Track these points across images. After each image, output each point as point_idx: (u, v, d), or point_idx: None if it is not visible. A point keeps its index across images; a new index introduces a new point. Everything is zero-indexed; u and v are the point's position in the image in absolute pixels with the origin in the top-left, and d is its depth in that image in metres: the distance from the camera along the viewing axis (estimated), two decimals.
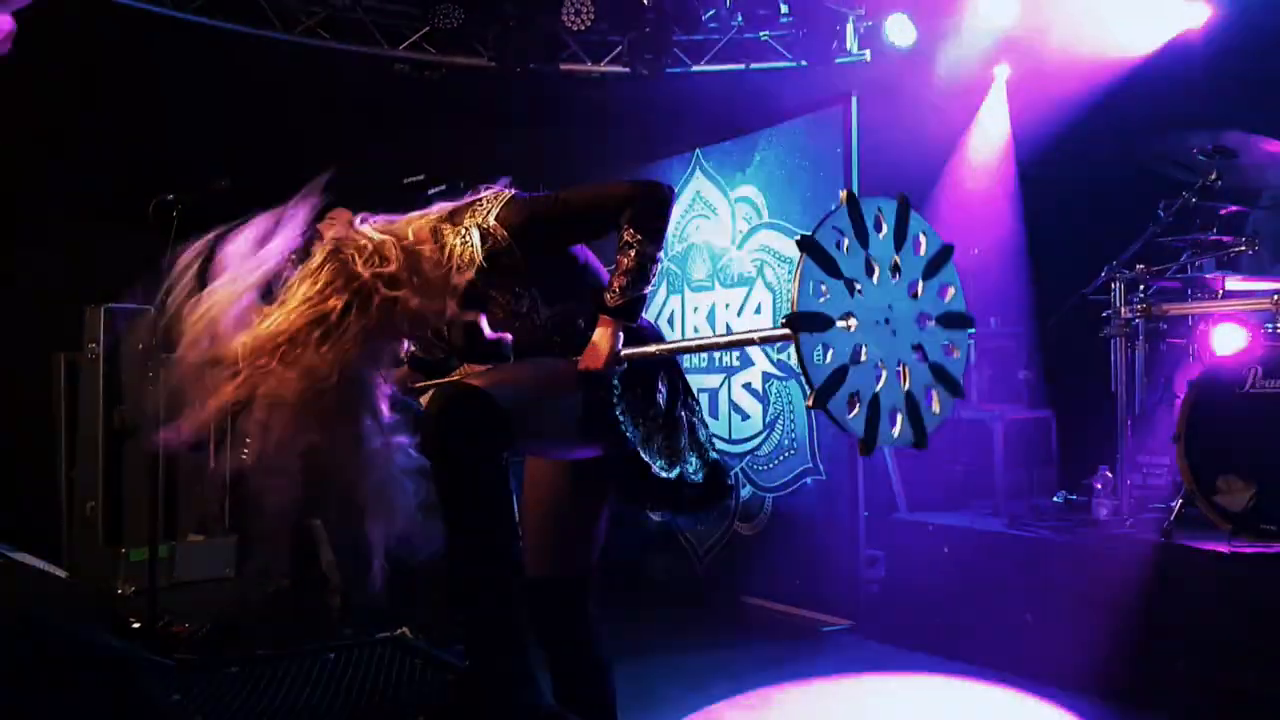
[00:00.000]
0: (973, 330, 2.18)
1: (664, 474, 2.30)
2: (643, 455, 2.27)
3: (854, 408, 1.92)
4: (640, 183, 2.28)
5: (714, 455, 2.41)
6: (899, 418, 1.97)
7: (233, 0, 6.30)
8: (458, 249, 2.24)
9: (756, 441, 5.73)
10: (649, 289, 2.30)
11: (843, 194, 2.02)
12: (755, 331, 2.10)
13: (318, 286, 2.12)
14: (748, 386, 5.82)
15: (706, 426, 2.47)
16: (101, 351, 5.63)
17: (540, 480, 2.50)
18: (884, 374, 1.97)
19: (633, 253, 2.24)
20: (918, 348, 2.04)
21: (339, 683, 2.68)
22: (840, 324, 1.94)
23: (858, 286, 1.98)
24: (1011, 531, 4.58)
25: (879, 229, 2.04)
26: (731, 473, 2.50)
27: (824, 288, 1.93)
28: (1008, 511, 4.91)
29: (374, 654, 2.95)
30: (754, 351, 5.77)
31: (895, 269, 2.05)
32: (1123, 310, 4.53)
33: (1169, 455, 4.52)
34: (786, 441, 5.60)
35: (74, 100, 6.09)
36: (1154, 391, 4.64)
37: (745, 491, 5.66)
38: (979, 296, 6.11)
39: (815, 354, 1.91)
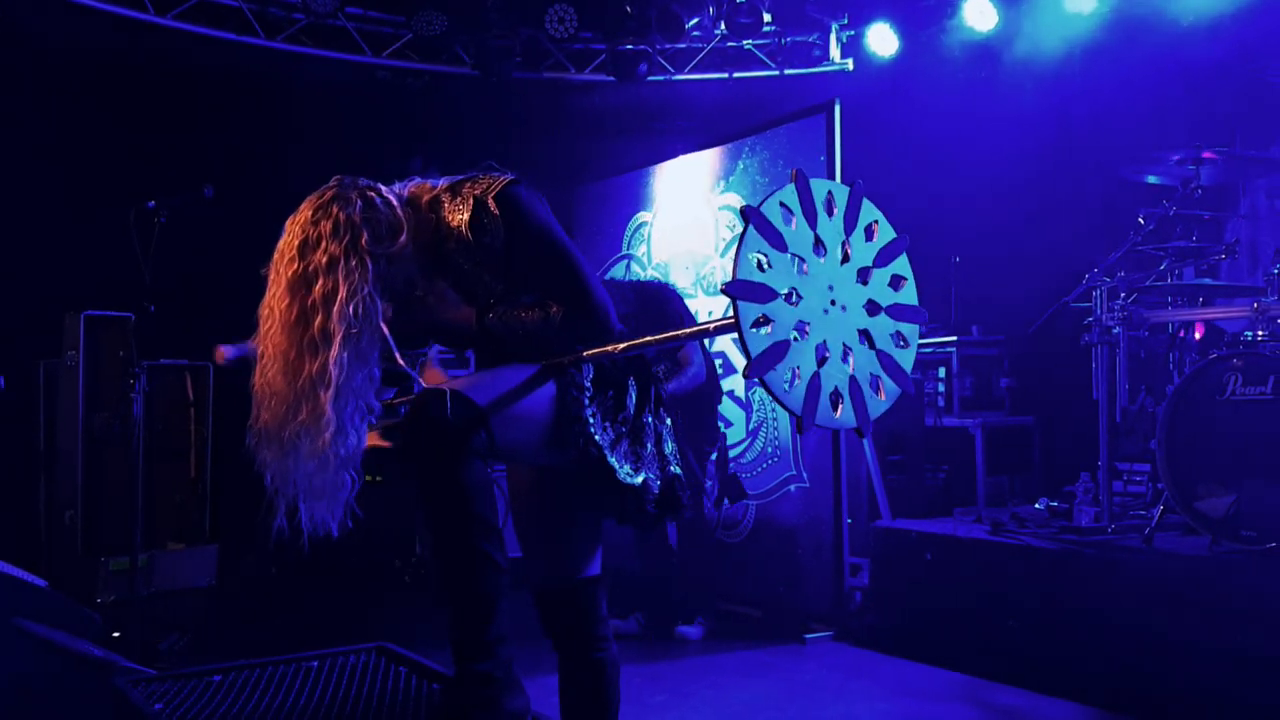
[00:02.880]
0: (923, 325, 2.15)
1: (629, 480, 2.29)
2: (609, 459, 2.26)
3: (793, 384, 1.89)
4: (608, 314, 2.22)
5: (675, 470, 2.39)
6: (841, 400, 1.95)
7: (215, 7, 6.29)
8: (451, 219, 2.24)
9: (740, 449, 5.73)
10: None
11: (792, 172, 2.01)
12: (710, 323, 2.08)
13: (309, 240, 2.11)
14: (731, 394, 5.82)
15: (675, 441, 2.46)
16: (81, 359, 5.59)
17: (525, 487, 2.50)
18: (828, 355, 1.94)
19: (536, 320, 2.22)
20: (865, 334, 2.02)
21: (323, 691, 2.66)
22: (783, 298, 1.92)
23: (804, 264, 1.97)
24: (994, 539, 4.60)
25: (830, 211, 2.01)
26: (687, 492, 2.46)
27: (768, 260, 1.91)
28: (990, 519, 4.93)
29: (359, 662, 2.94)
30: (737, 359, 5.78)
31: (845, 254, 2.04)
32: (1104, 317, 4.56)
33: (1150, 462, 4.55)
34: (770, 449, 5.61)
35: (56, 105, 6.06)
36: (1135, 399, 4.67)
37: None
38: (961, 304, 6.21)
39: (755, 324, 1.87)
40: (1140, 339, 4.64)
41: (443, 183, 2.31)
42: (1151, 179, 4.89)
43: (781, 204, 1.95)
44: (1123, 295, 4.55)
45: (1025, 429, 5.86)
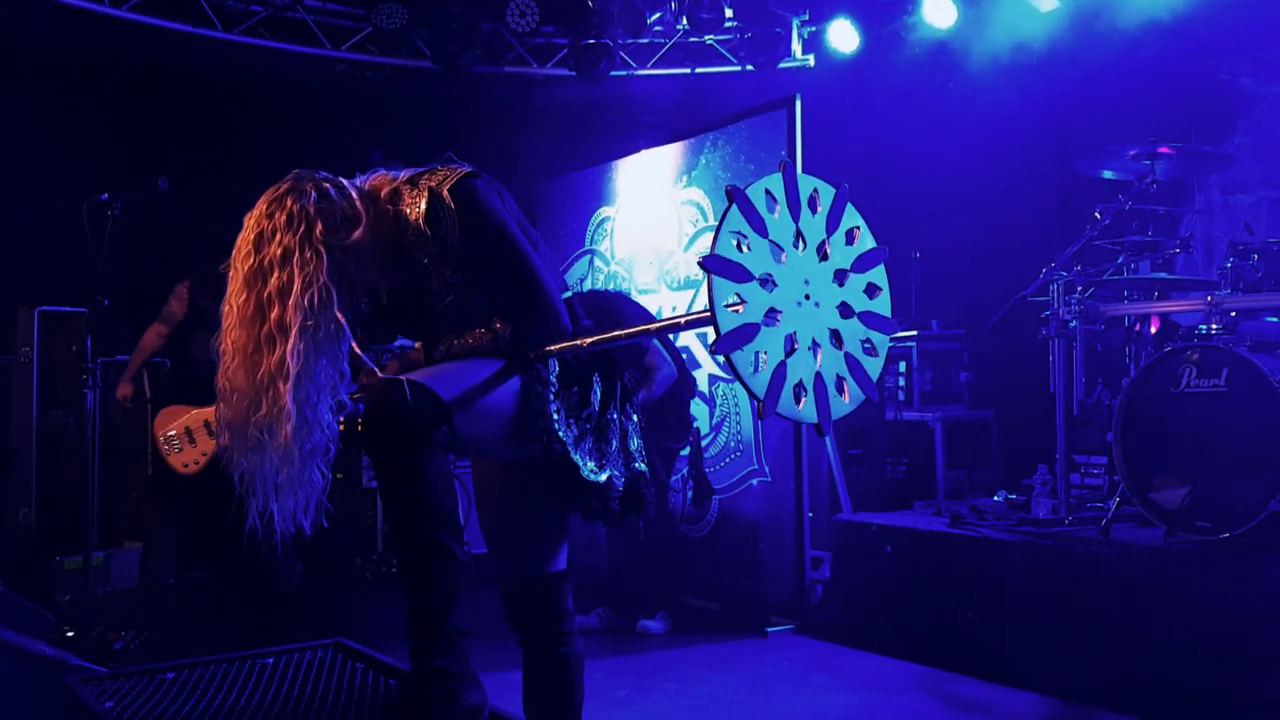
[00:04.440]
0: (893, 338, 2.16)
1: (593, 477, 2.28)
2: (573, 456, 2.25)
3: (758, 368, 1.90)
4: (558, 317, 2.23)
5: (640, 467, 2.39)
6: (804, 395, 1.95)
7: None
8: (409, 212, 2.22)
9: (703, 444, 5.74)
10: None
11: (781, 163, 2.01)
12: (681, 316, 2.08)
13: (264, 235, 2.09)
14: None
15: (640, 438, 2.45)
16: (35, 355, 5.50)
17: (489, 484, 2.49)
18: (796, 347, 1.94)
19: (484, 342, 2.23)
20: (835, 334, 2.03)
21: (278, 689, 2.64)
22: (758, 282, 1.92)
23: (783, 254, 1.97)
24: (953, 531, 4.64)
25: (814, 208, 2.02)
26: (652, 489, 2.45)
27: (747, 242, 1.91)
28: (949, 511, 4.97)
29: (316, 658, 2.91)
30: (700, 355, 5.79)
31: (824, 253, 2.04)
32: (1060, 311, 4.60)
33: (1107, 454, 4.60)
34: (733, 444, 5.62)
35: (8, 98, 5.95)
36: (1091, 392, 4.72)
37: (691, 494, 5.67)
38: (921, 299, 6.26)
39: (729, 303, 1.87)
40: (1097, 332, 4.69)
41: (403, 175, 2.29)
42: (1108, 174, 4.94)
43: (767, 191, 1.96)
44: (1079, 289, 4.59)
45: (984, 422, 5.92)
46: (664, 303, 6.02)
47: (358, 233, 2.17)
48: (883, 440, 5.82)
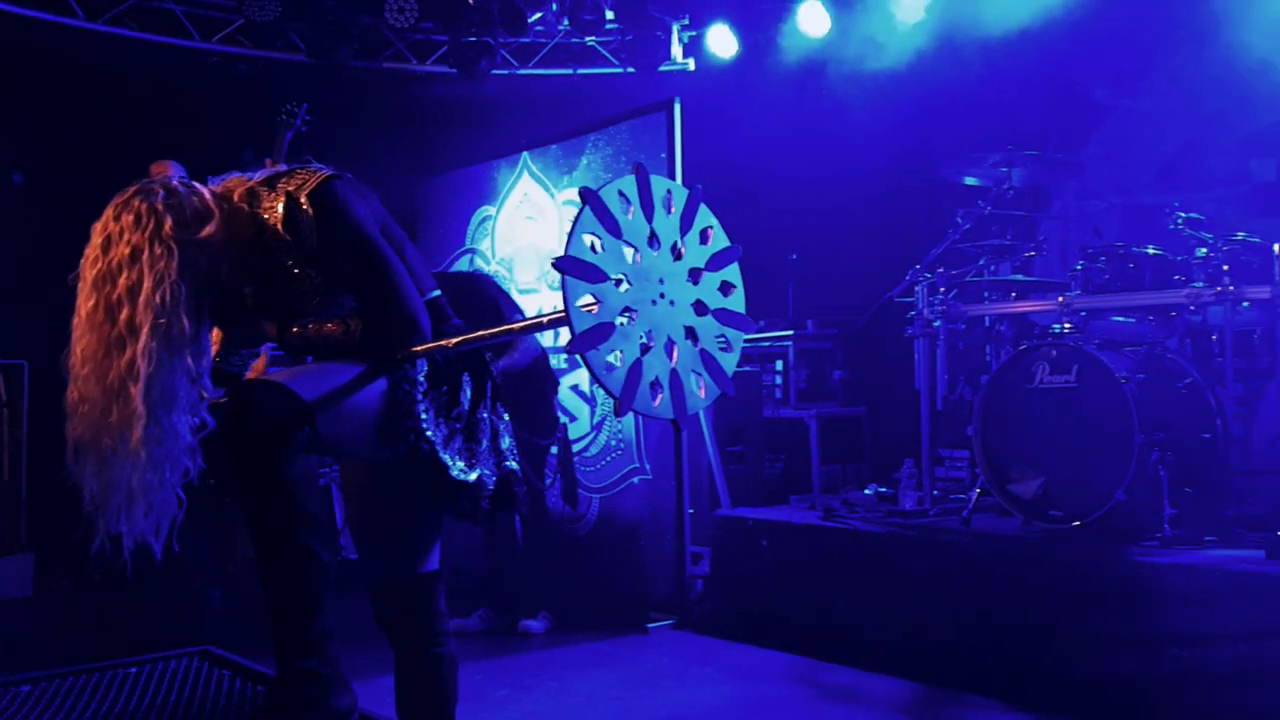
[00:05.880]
0: (771, 338, 2.24)
1: (462, 476, 2.29)
2: (442, 455, 2.26)
3: (615, 367, 1.94)
4: (414, 322, 2.22)
5: (511, 465, 2.41)
6: (661, 391, 2.00)
7: None
8: (267, 214, 2.20)
9: (584, 443, 5.78)
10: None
11: (635, 165, 2.06)
12: (541, 317, 2.11)
13: (111, 237, 2.04)
14: (575, 388, 5.86)
15: (512, 437, 2.47)
16: None
17: (358, 484, 2.47)
18: (652, 345, 1.99)
19: (336, 334, 2.23)
20: (690, 331, 2.08)
21: (142, 697, 2.58)
22: (613, 283, 1.96)
23: (637, 255, 2.01)
24: (826, 524, 4.77)
25: (668, 209, 2.07)
26: (524, 487, 2.48)
27: (601, 243, 1.95)
28: (823, 505, 5.11)
29: (181, 667, 2.86)
30: (579, 358, 5.81)
31: (679, 252, 2.10)
32: (925, 311, 4.78)
33: (969, 448, 4.79)
34: (614, 442, 5.67)
35: None
36: (954, 388, 4.91)
37: None
38: (798, 300, 6.41)
39: (583, 303, 1.91)
40: (959, 331, 4.89)
41: (259, 175, 2.26)
42: (970, 180, 5.15)
43: (620, 192, 2.00)
44: (942, 290, 4.78)
45: (857, 419, 6.11)
46: (545, 302, 6.04)
47: (210, 227, 2.13)
48: (761, 437, 5.96)
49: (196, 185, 2.18)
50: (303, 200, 2.17)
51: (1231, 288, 4.00)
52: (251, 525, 2.11)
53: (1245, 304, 4.07)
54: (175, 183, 2.14)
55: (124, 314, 2.01)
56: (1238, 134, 5.46)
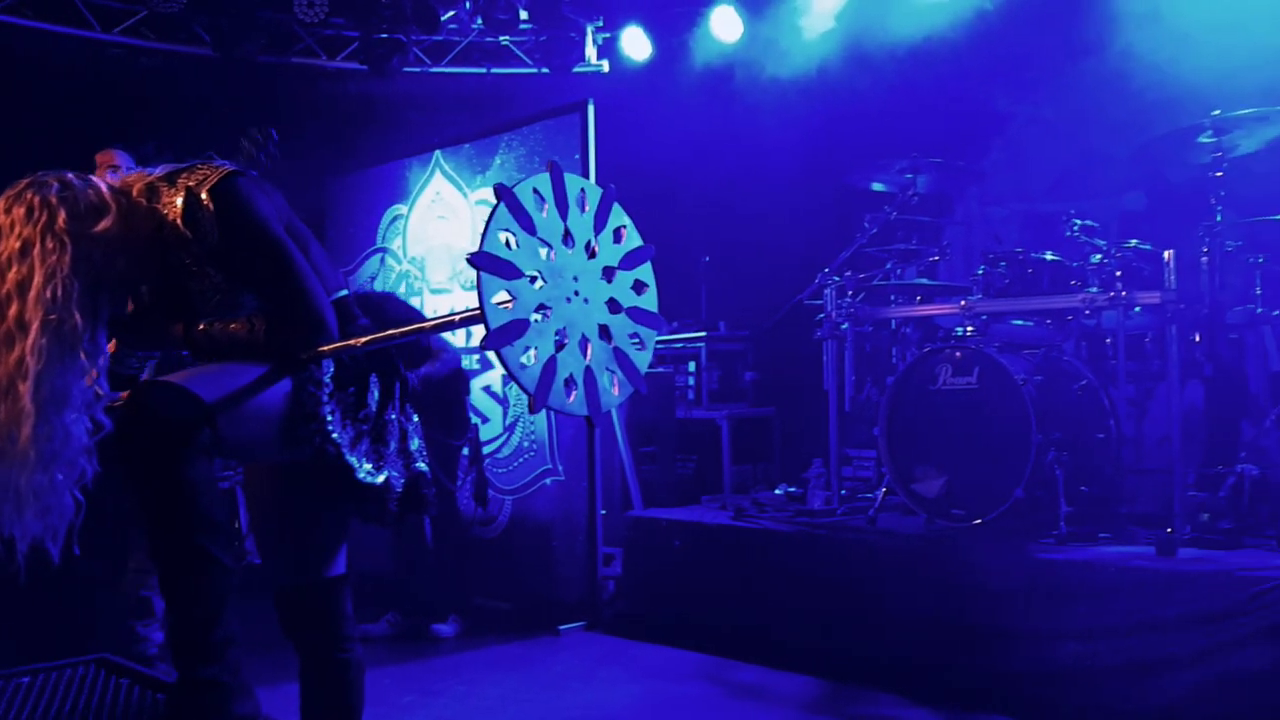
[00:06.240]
0: (684, 339, 2.27)
1: (370, 479, 2.26)
2: (348, 458, 2.23)
3: (529, 364, 1.95)
4: (321, 321, 2.19)
5: (420, 467, 2.39)
6: (575, 388, 2.01)
7: None
8: (167, 211, 2.15)
9: (497, 444, 5.75)
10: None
11: (549, 163, 2.07)
12: (454, 314, 2.11)
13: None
14: (488, 389, 5.84)
15: (421, 439, 2.45)
16: None
17: (261, 487, 2.43)
18: (566, 342, 2.00)
19: (242, 333, 2.19)
20: (604, 329, 2.09)
21: (35, 707, 2.49)
22: (528, 279, 1.97)
23: (552, 252, 2.02)
24: (736, 524, 4.82)
25: (582, 208, 2.08)
26: (433, 489, 2.46)
27: (516, 240, 1.96)
28: (734, 505, 5.16)
29: (78, 675, 2.77)
30: (494, 355, 5.78)
31: (592, 250, 2.11)
32: (833, 314, 4.87)
33: (875, 448, 4.89)
34: (526, 444, 5.66)
35: None
36: (861, 389, 5.01)
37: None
38: (710, 301, 6.47)
39: (498, 300, 1.91)
40: (865, 334, 4.99)
41: (159, 171, 2.21)
42: (877, 186, 5.25)
43: (535, 190, 2.00)
44: (850, 293, 4.87)
45: (767, 419, 6.18)
46: (458, 302, 6.00)
47: (105, 222, 2.07)
48: (673, 438, 6.00)
49: (93, 178, 2.12)
50: (203, 196, 2.13)
51: (1124, 293, 4.15)
52: (151, 530, 2.06)
53: (1137, 309, 4.23)
54: (71, 175, 2.08)
55: (13, 310, 1.95)
56: (1131, 143, 5.66)
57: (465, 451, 5.24)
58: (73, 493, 2.06)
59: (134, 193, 2.16)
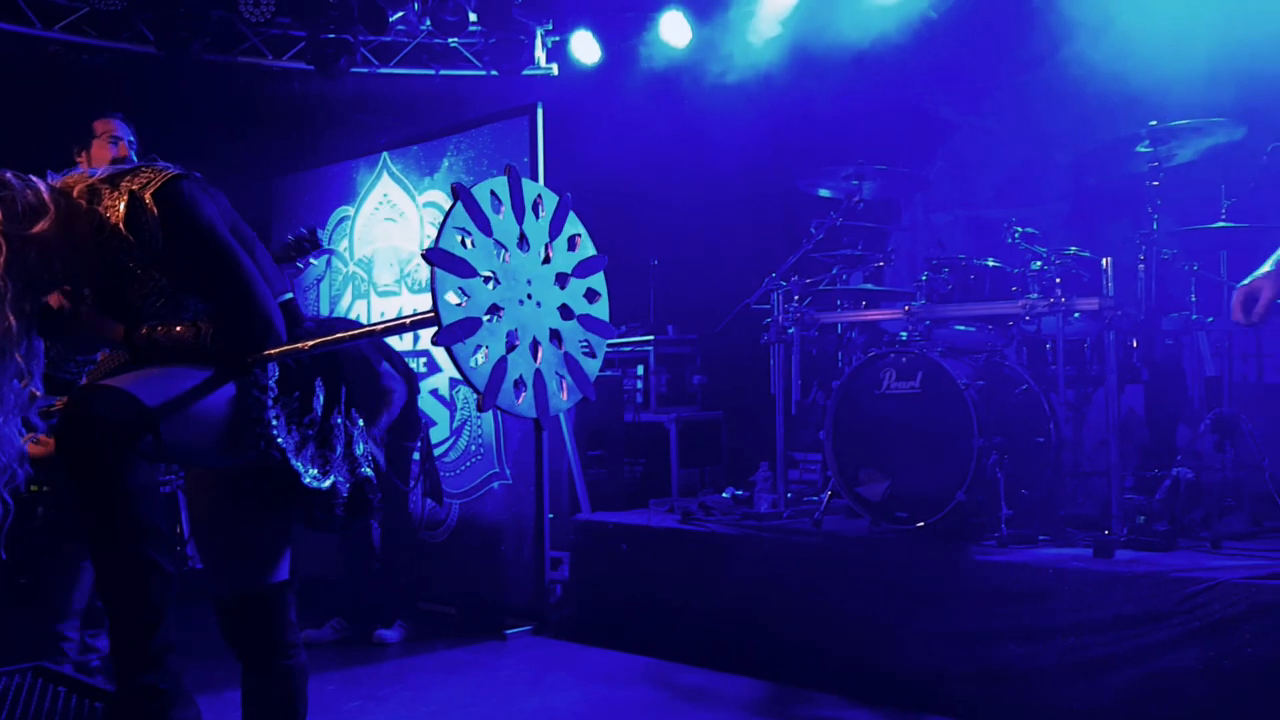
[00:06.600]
0: (633, 343, 2.29)
1: (315, 484, 2.25)
2: (293, 463, 2.22)
3: (479, 362, 1.95)
4: (269, 325, 2.17)
5: (365, 472, 2.37)
6: (524, 390, 2.02)
7: None
8: (109, 214, 2.12)
9: (444, 448, 5.72)
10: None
11: (507, 167, 2.08)
12: (405, 317, 2.11)
13: None
14: (435, 392, 5.80)
15: (367, 444, 2.43)
16: None
17: (204, 490, 2.40)
18: (517, 344, 2.01)
19: (187, 336, 2.17)
20: (556, 334, 2.11)
21: None
22: (482, 279, 1.97)
23: (506, 254, 2.03)
24: (684, 527, 4.84)
25: (537, 213, 2.10)
26: (379, 494, 2.45)
27: (472, 239, 1.97)
28: (681, 508, 5.17)
29: (14, 684, 2.72)
30: (441, 357, 5.76)
31: (547, 256, 2.13)
32: (780, 318, 4.91)
33: (820, 452, 4.94)
34: (474, 447, 5.63)
35: None
36: (808, 393, 5.06)
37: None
38: (659, 305, 6.50)
39: (451, 297, 1.91)
40: (812, 338, 5.03)
41: (100, 173, 2.18)
42: (824, 192, 5.30)
43: (493, 192, 2.02)
44: (796, 298, 4.92)
45: (715, 422, 6.22)
46: (405, 305, 5.96)
47: (43, 224, 2.04)
48: (621, 441, 6.01)
49: (33, 178, 2.09)
50: (147, 199, 2.10)
51: (1064, 299, 4.23)
52: (90, 536, 2.03)
53: (1076, 315, 4.32)
54: (9, 175, 2.05)
55: None
56: (1071, 152, 5.79)
57: (416, 456, 5.21)
58: (3, 496, 2.03)
59: (74, 194, 2.13)
